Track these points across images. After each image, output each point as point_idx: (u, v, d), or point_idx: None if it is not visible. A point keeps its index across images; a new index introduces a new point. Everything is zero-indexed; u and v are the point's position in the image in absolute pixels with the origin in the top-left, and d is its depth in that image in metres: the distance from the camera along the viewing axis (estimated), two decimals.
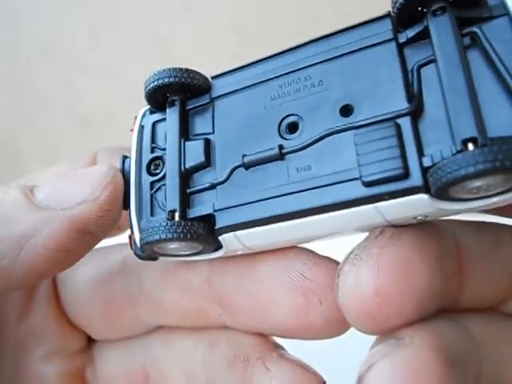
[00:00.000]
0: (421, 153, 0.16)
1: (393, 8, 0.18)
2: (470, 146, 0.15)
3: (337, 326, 0.20)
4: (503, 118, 0.16)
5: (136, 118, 0.24)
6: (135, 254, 0.22)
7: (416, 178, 0.16)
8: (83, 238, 0.21)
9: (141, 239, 0.20)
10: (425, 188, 0.16)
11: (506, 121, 0.16)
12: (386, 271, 0.17)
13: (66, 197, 0.21)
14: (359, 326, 0.18)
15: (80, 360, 0.26)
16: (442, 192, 0.15)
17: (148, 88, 0.22)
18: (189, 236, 0.19)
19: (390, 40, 0.18)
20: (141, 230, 0.21)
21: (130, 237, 0.22)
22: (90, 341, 0.27)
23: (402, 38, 0.18)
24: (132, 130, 0.24)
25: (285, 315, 0.21)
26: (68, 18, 0.61)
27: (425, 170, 0.16)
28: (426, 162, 0.16)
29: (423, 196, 0.16)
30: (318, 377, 0.21)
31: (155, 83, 0.21)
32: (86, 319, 0.26)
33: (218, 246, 0.20)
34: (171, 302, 0.23)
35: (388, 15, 0.18)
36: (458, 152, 0.15)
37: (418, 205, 0.16)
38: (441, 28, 0.17)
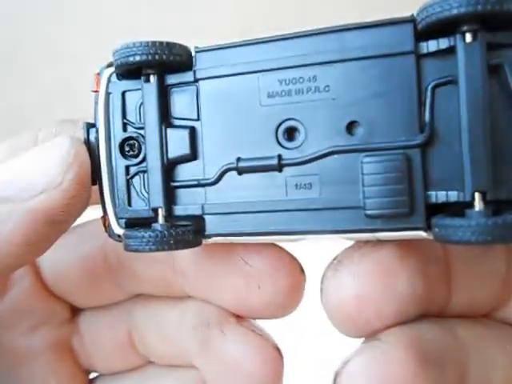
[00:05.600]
0: (426, 188, 0.16)
1: (421, 20, 0.16)
2: (478, 201, 0.15)
3: (275, 309, 0.22)
4: None
5: (97, 75, 0.20)
6: (110, 236, 0.21)
7: (419, 218, 0.16)
8: (50, 228, 0.19)
9: (127, 246, 0.19)
10: (425, 228, 0.16)
11: None
12: (366, 276, 0.18)
13: (25, 185, 0.19)
14: (341, 329, 0.19)
15: (66, 330, 0.26)
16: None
17: (118, 62, 0.18)
18: (181, 246, 0.18)
19: (409, 53, 0.16)
20: (117, 217, 0.20)
21: (104, 218, 0.21)
22: (75, 312, 0.26)
23: (423, 50, 0.16)
24: (96, 91, 0.21)
25: (227, 296, 0.22)
26: (69, 18, 0.59)
27: (428, 207, 0.16)
28: (431, 199, 0.16)
29: (421, 232, 0.16)
30: (270, 341, 0.22)
31: (128, 59, 0.18)
32: (68, 289, 0.25)
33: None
34: (142, 271, 0.24)
35: (411, 21, 0.16)
36: (466, 203, 0.15)
37: (413, 235, 0.17)
38: (470, 57, 0.15)
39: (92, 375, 0.27)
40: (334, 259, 0.19)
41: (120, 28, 0.55)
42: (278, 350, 0.22)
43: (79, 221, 0.21)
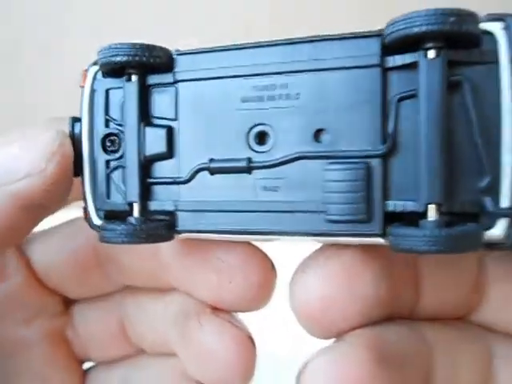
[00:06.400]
0: (385, 197, 0.17)
1: (387, 35, 0.16)
2: (432, 212, 0.16)
3: (246, 303, 0.23)
4: (469, 178, 0.16)
5: (85, 71, 0.21)
6: (90, 227, 0.22)
7: (377, 225, 0.17)
8: (31, 212, 0.20)
9: (102, 237, 0.19)
10: (382, 234, 0.17)
11: (470, 182, 0.16)
12: (331, 279, 0.19)
13: (9, 170, 0.20)
14: (309, 330, 0.20)
15: (60, 321, 0.27)
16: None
17: (101, 62, 0.19)
18: (151, 240, 0.19)
19: (375, 66, 0.17)
20: (96, 209, 0.21)
21: (85, 209, 0.22)
22: (68, 303, 0.27)
23: (389, 63, 0.17)
24: (82, 86, 0.21)
25: (203, 289, 0.23)
26: (69, 18, 0.59)
27: (387, 215, 0.17)
28: (389, 207, 0.17)
29: (379, 239, 0.17)
30: (244, 331, 0.23)
31: (110, 59, 0.19)
32: (60, 281, 0.26)
33: None
34: (130, 264, 0.25)
35: (379, 35, 0.17)
36: (421, 213, 0.16)
37: (373, 241, 0.18)
38: (430, 72, 0.16)
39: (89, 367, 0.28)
40: (302, 263, 0.20)
41: (120, 28, 0.55)
42: (251, 339, 0.23)
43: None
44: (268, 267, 0.22)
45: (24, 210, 0.20)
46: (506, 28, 0.16)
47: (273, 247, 0.23)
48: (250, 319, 0.24)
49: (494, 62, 0.16)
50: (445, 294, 0.21)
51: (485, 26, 0.16)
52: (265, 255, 0.22)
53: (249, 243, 0.22)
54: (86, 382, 0.28)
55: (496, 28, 0.16)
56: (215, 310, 0.23)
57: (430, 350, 0.19)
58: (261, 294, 0.22)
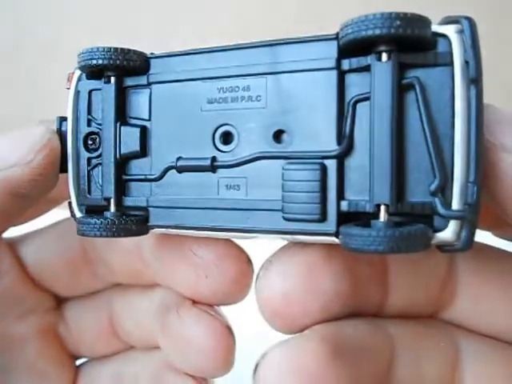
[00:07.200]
0: (341, 196, 0.17)
1: (341, 38, 0.17)
2: (382, 212, 0.16)
3: (223, 297, 0.23)
4: (421, 180, 0.16)
5: (71, 74, 0.22)
6: (75, 220, 0.23)
7: (330, 224, 0.17)
8: (15, 200, 0.21)
9: (78, 230, 0.21)
10: (336, 233, 0.17)
11: (422, 184, 0.16)
12: (293, 275, 0.19)
13: None
14: (273, 325, 0.20)
15: (52, 318, 0.28)
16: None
17: (80, 64, 0.20)
18: (122, 234, 0.20)
19: (332, 68, 0.17)
20: (78, 204, 0.22)
21: (70, 203, 0.23)
22: (60, 301, 0.29)
23: (345, 66, 0.17)
24: (68, 88, 0.23)
25: (182, 284, 0.24)
26: (69, 18, 0.61)
27: (342, 215, 0.17)
28: (343, 207, 0.17)
29: (333, 238, 0.18)
30: (222, 321, 0.24)
31: (87, 62, 0.20)
32: (52, 280, 0.27)
33: None
34: (115, 262, 0.26)
35: (335, 38, 0.17)
36: (373, 214, 0.16)
37: (328, 240, 0.18)
38: (382, 75, 0.16)
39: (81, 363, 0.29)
40: (267, 259, 0.20)
41: (120, 28, 0.56)
42: (228, 328, 0.24)
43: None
44: (244, 262, 0.23)
45: (8, 196, 0.21)
46: (461, 30, 0.16)
47: (253, 243, 0.23)
48: (229, 311, 0.25)
49: (449, 64, 0.16)
50: (414, 293, 0.21)
51: (439, 28, 0.16)
52: (241, 250, 0.23)
53: (226, 239, 0.23)
54: (78, 378, 0.29)
55: (450, 31, 0.16)
56: (195, 302, 0.24)
57: (391, 344, 0.20)
58: (237, 288, 0.23)
